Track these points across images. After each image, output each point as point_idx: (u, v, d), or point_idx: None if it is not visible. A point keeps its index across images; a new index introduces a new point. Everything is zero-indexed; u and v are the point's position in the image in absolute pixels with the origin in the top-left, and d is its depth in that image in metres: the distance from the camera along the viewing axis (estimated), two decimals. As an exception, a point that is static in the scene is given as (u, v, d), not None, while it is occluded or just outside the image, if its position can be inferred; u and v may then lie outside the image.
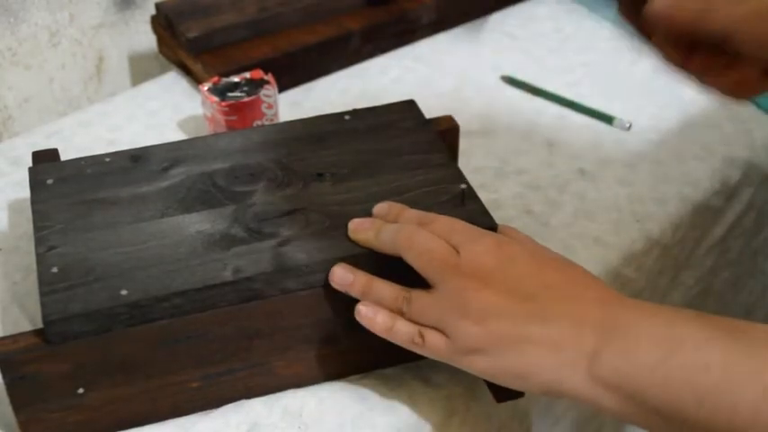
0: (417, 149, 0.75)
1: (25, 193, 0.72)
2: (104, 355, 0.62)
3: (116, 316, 0.61)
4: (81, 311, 0.60)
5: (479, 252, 0.61)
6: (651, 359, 0.55)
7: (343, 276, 0.64)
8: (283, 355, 0.67)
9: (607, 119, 0.97)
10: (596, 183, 0.89)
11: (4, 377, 0.60)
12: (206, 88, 0.89)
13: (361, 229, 0.66)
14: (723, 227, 0.94)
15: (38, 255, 0.65)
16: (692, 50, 0.65)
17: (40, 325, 0.61)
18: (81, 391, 0.62)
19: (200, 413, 0.67)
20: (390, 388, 0.69)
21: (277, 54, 0.99)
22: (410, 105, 0.80)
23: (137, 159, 0.73)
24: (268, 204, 0.69)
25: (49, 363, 0.61)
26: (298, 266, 0.64)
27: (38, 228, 0.67)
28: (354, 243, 0.65)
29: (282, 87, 0.97)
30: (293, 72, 1.01)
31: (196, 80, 1.00)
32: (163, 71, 1.06)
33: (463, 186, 0.69)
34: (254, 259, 0.64)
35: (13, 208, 0.85)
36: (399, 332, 0.62)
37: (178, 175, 0.72)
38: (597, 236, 0.83)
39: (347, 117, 0.78)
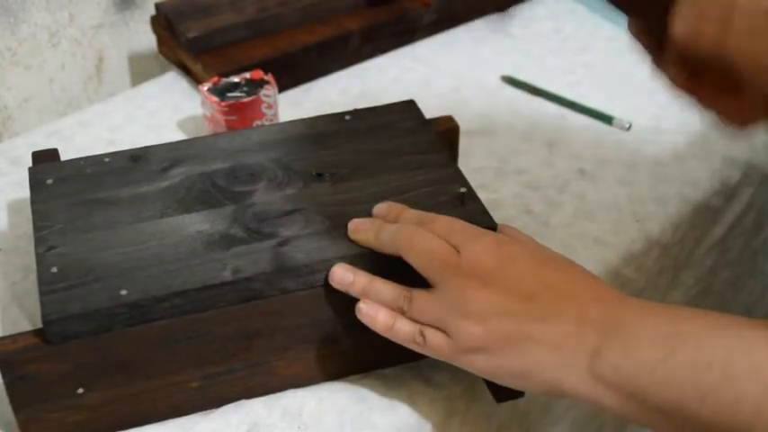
0: (417, 149, 0.74)
1: (25, 193, 0.72)
2: (104, 355, 0.62)
3: (116, 316, 0.61)
4: (80, 311, 0.60)
5: (480, 252, 0.61)
6: (652, 357, 0.55)
7: (343, 276, 0.64)
8: (283, 355, 0.67)
9: (607, 119, 0.97)
10: (596, 183, 0.89)
11: (3, 377, 0.60)
12: (206, 88, 0.89)
13: (360, 229, 0.66)
14: (723, 227, 0.94)
15: (37, 255, 0.65)
16: (697, 76, 0.65)
17: (39, 325, 0.61)
18: (81, 391, 0.62)
19: (200, 413, 0.67)
20: (390, 388, 0.69)
21: (277, 54, 0.99)
22: (410, 105, 0.80)
23: (136, 159, 0.73)
24: (268, 204, 0.69)
25: (48, 363, 0.61)
26: (297, 266, 0.64)
27: (37, 228, 0.67)
28: (354, 243, 0.65)
29: (282, 87, 0.97)
30: (293, 72, 1.01)
31: (196, 80, 1.00)
32: (163, 71, 1.06)
33: (463, 190, 0.69)
34: (253, 259, 0.64)
35: (13, 208, 0.85)
36: (400, 331, 0.62)
37: (178, 175, 0.72)
38: (597, 236, 0.83)
39: (347, 117, 0.78)
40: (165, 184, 0.71)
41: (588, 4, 1.15)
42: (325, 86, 1.02)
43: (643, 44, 0.65)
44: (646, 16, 0.65)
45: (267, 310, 0.64)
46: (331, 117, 0.79)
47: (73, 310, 0.60)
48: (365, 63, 1.06)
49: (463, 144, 0.83)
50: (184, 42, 0.99)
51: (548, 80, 1.02)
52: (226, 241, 0.66)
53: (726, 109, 0.65)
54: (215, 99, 0.88)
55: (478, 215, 0.68)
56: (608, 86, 1.02)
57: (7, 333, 0.67)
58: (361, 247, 0.65)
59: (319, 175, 0.72)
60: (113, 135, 0.95)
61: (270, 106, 0.90)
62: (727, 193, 0.93)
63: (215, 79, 0.90)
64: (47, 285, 0.62)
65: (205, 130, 0.92)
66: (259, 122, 0.89)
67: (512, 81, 1.03)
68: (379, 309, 0.63)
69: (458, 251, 0.61)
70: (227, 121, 0.88)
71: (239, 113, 0.88)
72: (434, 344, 0.61)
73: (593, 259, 0.81)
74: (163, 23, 1.03)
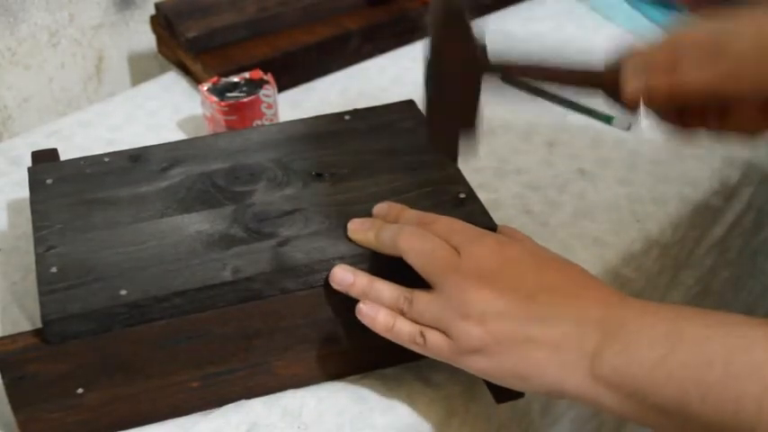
0: (417, 149, 0.74)
1: (25, 192, 0.72)
2: (104, 355, 0.62)
3: (115, 316, 0.61)
4: (80, 311, 0.60)
5: (480, 253, 0.61)
6: (653, 357, 0.55)
7: (343, 277, 0.64)
8: (283, 355, 0.67)
9: (607, 119, 0.97)
10: (596, 183, 0.89)
11: (3, 377, 0.60)
12: (205, 88, 0.89)
13: (360, 230, 0.66)
14: (723, 226, 0.94)
15: (37, 255, 0.65)
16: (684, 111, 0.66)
17: (39, 325, 0.61)
18: (80, 391, 0.62)
19: (200, 413, 0.67)
20: (390, 388, 0.69)
21: (277, 54, 0.99)
22: (410, 105, 0.80)
23: (136, 159, 0.73)
24: (267, 204, 0.69)
25: (48, 363, 0.61)
26: (297, 266, 0.64)
27: (37, 228, 0.67)
28: (354, 243, 0.65)
29: (282, 87, 0.97)
30: (293, 72, 1.01)
31: (196, 80, 1.00)
32: (162, 71, 1.06)
33: (462, 196, 0.69)
34: (253, 259, 0.64)
35: (13, 208, 0.85)
36: (401, 331, 0.62)
37: (177, 175, 0.72)
38: (597, 236, 0.83)
39: (347, 117, 0.78)
40: (164, 184, 0.71)
41: (588, 4, 1.15)
42: (324, 86, 1.02)
43: (623, 105, 0.66)
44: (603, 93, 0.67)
45: (267, 310, 0.64)
46: (331, 117, 0.79)
47: (73, 309, 0.60)
48: (365, 63, 1.06)
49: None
50: (184, 42, 0.99)
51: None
52: (226, 241, 0.66)
53: (728, 126, 0.65)
54: (215, 99, 0.88)
55: (478, 215, 0.68)
56: (608, 86, 1.02)
57: (7, 333, 0.67)
58: (361, 247, 0.65)
59: (319, 175, 0.72)
60: (113, 135, 0.95)
61: (269, 106, 0.90)
62: (727, 192, 0.93)
63: (215, 79, 0.90)
64: (46, 285, 0.62)
65: (205, 130, 0.92)
66: (259, 122, 0.89)
67: (512, 81, 1.03)
68: (380, 309, 0.63)
69: (458, 252, 0.61)
70: (226, 120, 0.88)
71: (239, 113, 0.88)
72: (434, 345, 0.61)
73: (593, 259, 0.81)
74: (162, 23, 1.03)
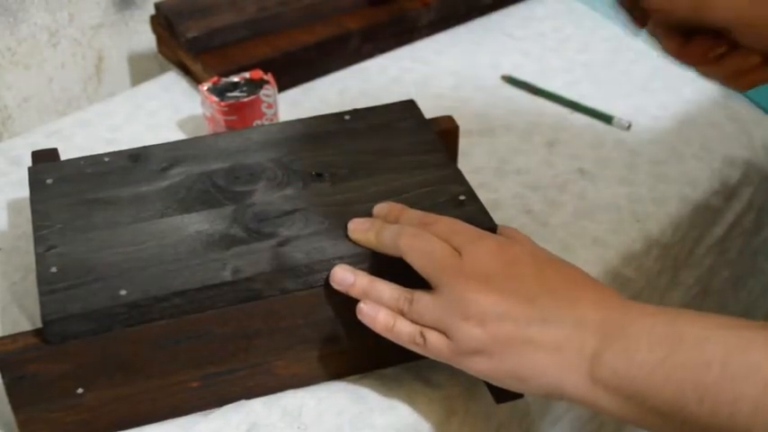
0: (417, 149, 0.74)
1: (25, 192, 0.72)
2: (104, 355, 0.62)
3: (115, 316, 0.61)
4: (80, 311, 0.60)
5: (481, 254, 0.61)
6: (651, 359, 0.55)
7: (343, 277, 0.64)
8: (283, 356, 0.67)
9: (607, 119, 0.97)
10: (596, 183, 0.89)
11: (3, 377, 0.60)
12: (205, 88, 0.89)
13: (361, 230, 0.66)
14: (722, 227, 0.94)
15: (37, 254, 0.65)
16: (690, 38, 0.65)
17: (39, 325, 0.61)
18: (80, 390, 0.62)
19: (200, 413, 0.67)
20: (390, 388, 0.69)
21: (277, 54, 0.99)
22: (410, 105, 0.80)
23: (136, 159, 0.73)
24: (267, 204, 0.69)
25: (48, 363, 0.61)
26: (297, 266, 0.64)
27: (37, 227, 0.67)
28: (354, 243, 0.65)
29: (282, 87, 0.97)
30: (293, 72, 1.01)
31: (196, 80, 1.00)
32: (162, 71, 1.06)
33: (462, 198, 0.69)
34: (253, 259, 0.64)
35: (13, 208, 0.85)
36: (401, 332, 0.62)
37: (177, 175, 0.72)
38: (597, 236, 0.83)
39: (347, 117, 0.78)
40: (164, 183, 0.71)
41: (588, 4, 1.15)
42: (324, 86, 1.02)
43: (628, 13, 0.65)
44: None
45: (267, 311, 0.64)
46: (330, 117, 0.79)
47: (73, 309, 0.60)
48: (365, 63, 1.06)
49: (463, 144, 0.83)
50: (184, 42, 0.99)
51: (548, 80, 1.02)
52: (226, 241, 0.66)
53: (726, 71, 0.65)
54: (215, 99, 0.88)
55: (478, 215, 0.68)
56: (608, 86, 1.02)
57: (7, 333, 0.67)
58: (362, 247, 0.65)
59: (319, 175, 0.72)
60: (113, 135, 0.95)
61: (270, 106, 0.90)
62: (727, 192, 0.93)
63: (215, 79, 0.90)
64: (46, 285, 0.62)
65: (205, 129, 0.92)
66: (259, 122, 0.89)
67: (512, 81, 1.03)
68: (380, 309, 0.63)
69: (459, 253, 0.61)
70: (226, 120, 0.88)
71: (239, 113, 0.88)
72: (434, 345, 0.61)
73: (593, 259, 0.81)
74: (162, 23, 1.03)
